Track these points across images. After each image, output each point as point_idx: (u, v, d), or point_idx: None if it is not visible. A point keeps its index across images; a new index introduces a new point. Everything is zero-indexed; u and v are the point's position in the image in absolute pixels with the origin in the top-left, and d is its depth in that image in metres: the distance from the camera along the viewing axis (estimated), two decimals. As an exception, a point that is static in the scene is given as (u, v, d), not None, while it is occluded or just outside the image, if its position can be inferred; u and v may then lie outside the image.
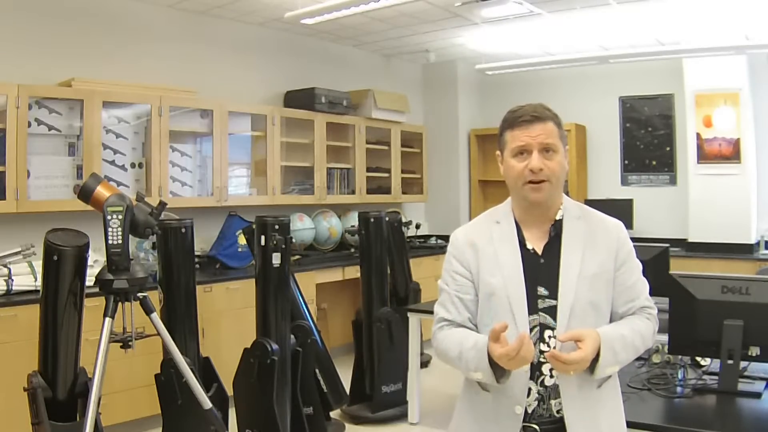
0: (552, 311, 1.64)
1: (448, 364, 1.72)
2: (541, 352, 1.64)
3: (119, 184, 4.41)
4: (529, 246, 1.70)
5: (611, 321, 1.69)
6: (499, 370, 1.58)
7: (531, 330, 1.64)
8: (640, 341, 1.65)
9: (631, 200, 6.50)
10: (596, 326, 1.62)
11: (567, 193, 1.81)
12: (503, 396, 1.64)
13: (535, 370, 1.63)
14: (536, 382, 1.64)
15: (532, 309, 1.65)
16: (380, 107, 6.18)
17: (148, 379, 3.31)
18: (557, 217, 1.71)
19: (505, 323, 1.54)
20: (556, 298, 1.64)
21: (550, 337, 1.63)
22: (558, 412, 1.63)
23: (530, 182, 1.64)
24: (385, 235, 4.61)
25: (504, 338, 1.52)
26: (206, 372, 3.37)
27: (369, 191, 6.25)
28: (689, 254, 5.81)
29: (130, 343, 2.74)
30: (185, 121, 4.87)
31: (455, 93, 7.27)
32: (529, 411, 1.64)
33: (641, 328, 1.67)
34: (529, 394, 1.64)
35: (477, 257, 1.72)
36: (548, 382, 1.63)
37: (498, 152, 1.74)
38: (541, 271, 1.66)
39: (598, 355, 1.55)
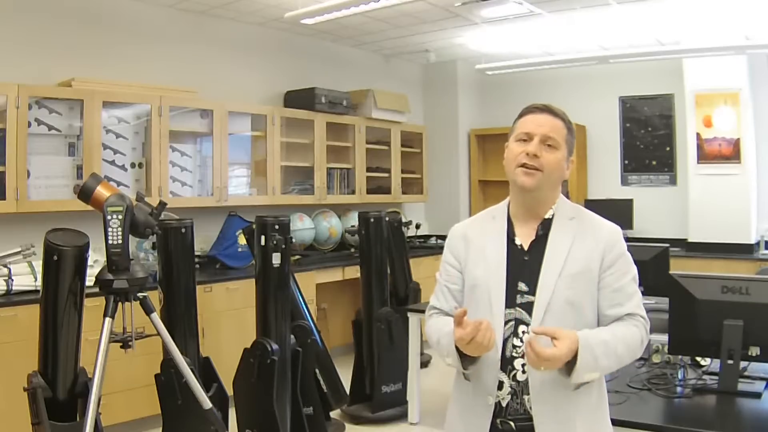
0: (529, 307, 1.65)
1: (436, 351, 1.78)
2: (514, 346, 1.65)
3: (119, 184, 4.41)
4: (518, 242, 1.72)
5: (598, 323, 1.67)
6: (465, 357, 1.61)
7: (506, 324, 1.65)
8: (624, 349, 1.61)
9: (631, 200, 6.50)
10: (575, 325, 1.61)
11: (567, 195, 1.81)
12: (479, 387, 1.67)
13: (507, 364, 1.64)
14: (508, 376, 1.65)
15: (510, 303, 1.66)
16: (380, 107, 6.18)
17: (148, 379, 3.31)
18: (547, 216, 1.72)
19: (465, 309, 1.57)
20: (534, 294, 1.65)
21: (524, 332, 1.64)
22: (531, 408, 1.63)
23: (523, 165, 1.66)
24: (385, 235, 4.61)
25: (466, 322, 1.54)
26: (206, 372, 3.37)
27: (369, 191, 6.25)
28: (689, 254, 5.81)
29: (130, 343, 2.74)
30: (185, 121, 4.87)
31: (455, 93, 7.27)
32: (503, 405, 1.65)
33: (626, 336, 1.62)
34: (501, 388, 1.65)
35: (467, 249, 1.76)
36: (520, 377, 1.64)
37: (506, 144, 1.76)
38: (524, 267, 1.68)
39: (575, 358, 1.53)
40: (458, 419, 1.76)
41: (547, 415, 1.61)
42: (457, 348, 1.60)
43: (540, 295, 1.64)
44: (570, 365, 1.54)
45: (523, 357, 1.63)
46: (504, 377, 1.65)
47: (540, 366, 1.52)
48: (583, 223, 1.72)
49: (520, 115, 1.73)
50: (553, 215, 1.72)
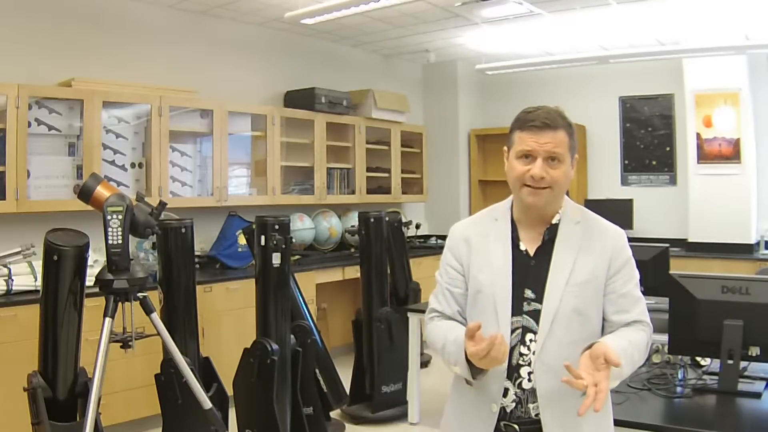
0: (536, 315, 1.62)
1: (439, 357, 1.75)
2: (521, 354, 1.62)
3: (119, 184, 4.41)
4: (522, 247, 1.69)
5: (603, 328, 1.66)
6: (475, 367, 1.57)
7: (513, 332, 1.63)
8: (638, 355, 1.62)
9: (631, 200, 6.50)
10: (581, 333, 1.60)
11: (567, 195, 1.78)
12: (482, 393, 1.65)
13: (513, 372, 1.62)
14: (514, 384, 1.63)
15: (517, 311, 1.64)
16: (380, 107, 6.18)
17: (148, 379, 3.31)
18: (554, 221, 1.68)
19: (479, 323, 1.52)
20: (541, 302, 1.62)
21: (531, 340, 1.62)
22: (537, 415, 1.61)
23: (529, 186, 1.62)
24: (385, 235, 4.61)
25: (479, 336, 1.51)
26: (206, 372, 3.37)
27: (369, 191, 6.25)
28: (689, 254, 5.81)
29: (130, 343, 2.74)
30: (185, 121, 4.87)
31: (455, 93, 7.27)
32: (507, 411, 1.63)
33: (639, 341, 1.62)
34: (506, 395, 1.63)
35: (469, 252, 1.72)
36: (526, 385, 1.62)
37: (505, 148, 1.71)
38: (531, 273, 1.65)
39: None
40: (458, 424, 1.73)
41: (556, 423, 1.59)
42: (466, 358, 1.57)
43: (547, 303, 1.61)
44: None
45: (529, 365, 1.62)
46: (509, 385, 1.63)
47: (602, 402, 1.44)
48: (589, 227, 1.69)
49: (518, 127, 1.64)
50: (559, 220, 1.69)
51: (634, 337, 1.62)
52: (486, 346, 1.47)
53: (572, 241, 1.66)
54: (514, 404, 1.63)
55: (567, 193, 1.76)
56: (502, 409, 1.63)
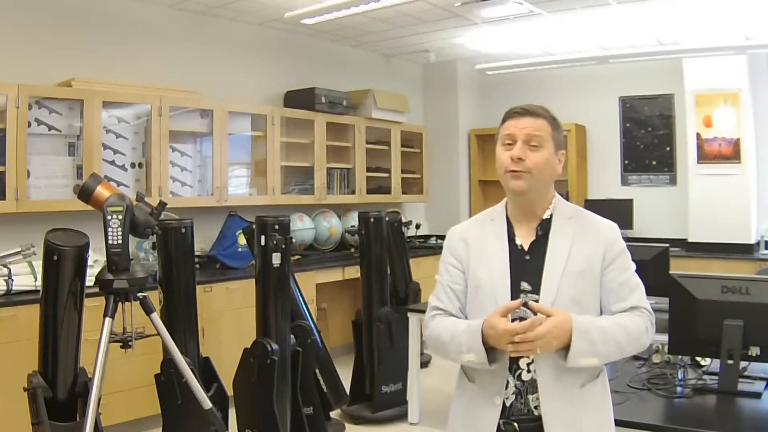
0: None
1: (438, 352, 1.77)
2: None
3: (119, 184, 4.42)
4: (518, 242, 1.73)
5: None
6: (491, 353, 1.60)
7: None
8: (624, 336, 1.62)
9: (631, 200, 6.50)
10: None
11: (567, 195, 1.81)
12: (485, 387, 1.68)
13: (513, 363, 1.65)
14: (513, 376, 1.65)
15: None
16: (380, 107, 6.18)
17: (148, 379, 3.31)
18: (545, 216, 1.73)
19: (522, 300, 1.60)
20: (538, 293, 1.65)
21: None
22: (536, 408, 1.63)
23: (512, 171, 1.67)
24: (385, 235, 4.61)
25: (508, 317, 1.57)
26: (206, 372, 3.37)
27: (369, 191, 6.25)
28: (689, 254, 5.81)
29: (130, 343, 2.73)
30: (185, 121, 4.87)
31: (455, 93, 7.27)
32: (507, 404, 1.65)
33: (627, 323, 1.64)
34: (506, 387, 1.65)
35: (468, 251, 1.76)
36: (525, 376, 1.65)
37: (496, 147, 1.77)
38: (526, 267, 1.69)
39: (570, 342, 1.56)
40: (462, 421, 1.75)
41: (555, 414, 1.61)
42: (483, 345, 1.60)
43: (544, 293, 1.64)
44: (565, 350, 1.56)
45: (528, 356, 1.63)
46: (509, 377, 1.65)
47: (535, 349, 1.53)
48: (582, 222, 1.73)
49: (504, 119, 1.74)
50: (551, 215, 1.73)
51: (624, 321, 1.65)
52: (527, 325, 1.52)
53: (566, 234, 1.70)
54: (514, 396, 1.65)
55: (567, 195, 1.78)
56: (502, 403, 1.65)
